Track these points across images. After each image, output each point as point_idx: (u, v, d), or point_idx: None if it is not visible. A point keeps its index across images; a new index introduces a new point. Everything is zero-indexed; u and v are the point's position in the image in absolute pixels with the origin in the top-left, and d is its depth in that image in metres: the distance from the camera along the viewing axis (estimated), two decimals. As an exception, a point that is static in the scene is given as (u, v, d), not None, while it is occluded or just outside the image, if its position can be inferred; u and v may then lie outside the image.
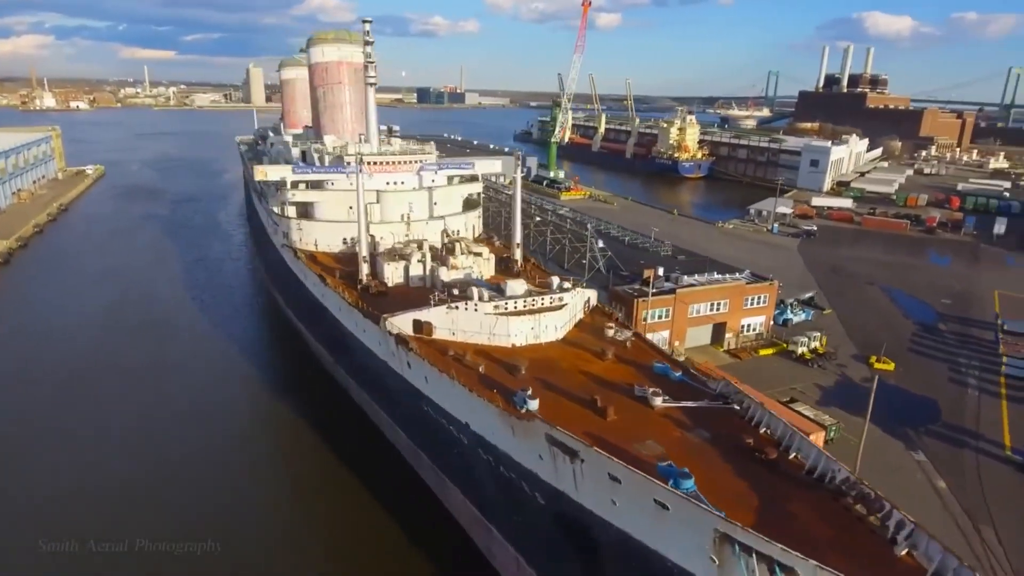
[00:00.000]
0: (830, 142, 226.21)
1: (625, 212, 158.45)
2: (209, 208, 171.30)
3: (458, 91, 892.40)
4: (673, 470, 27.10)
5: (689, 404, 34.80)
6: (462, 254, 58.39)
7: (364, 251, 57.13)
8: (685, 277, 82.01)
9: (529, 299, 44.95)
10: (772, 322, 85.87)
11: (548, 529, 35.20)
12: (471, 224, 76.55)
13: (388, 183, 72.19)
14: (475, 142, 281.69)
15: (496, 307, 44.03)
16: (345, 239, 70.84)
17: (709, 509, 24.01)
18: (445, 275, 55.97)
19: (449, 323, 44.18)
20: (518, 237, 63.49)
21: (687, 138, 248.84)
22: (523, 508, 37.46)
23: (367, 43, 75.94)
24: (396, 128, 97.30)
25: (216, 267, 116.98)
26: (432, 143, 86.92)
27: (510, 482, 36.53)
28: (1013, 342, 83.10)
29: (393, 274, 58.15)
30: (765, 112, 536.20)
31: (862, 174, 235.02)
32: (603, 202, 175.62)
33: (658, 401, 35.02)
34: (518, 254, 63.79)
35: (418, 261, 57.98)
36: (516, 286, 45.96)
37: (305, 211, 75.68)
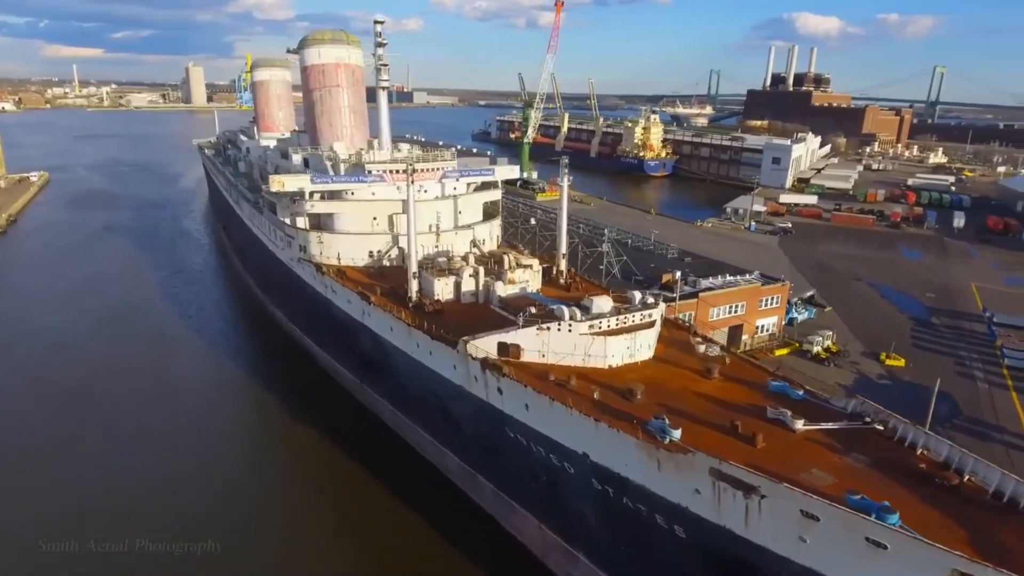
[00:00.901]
0: (790, 140, 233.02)
1: (604, 212, 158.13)
2: (173, 215, 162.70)
3: (405, 90, 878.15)
4: (871, 503, 25.72)
5: (831, 426, 33.44)
6: (513, 267, 56.21)
7: (414, 267, 54.20)
8: (702, 280, 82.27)
9: (620, 316, 43.21)
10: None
11: (684, 563, 33.71)
12: (494, 233, 74.38)
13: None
14: (440, 143, 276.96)
15: (591, 326, 42.21)
16: (371, 252, 67.57)
17: (945, 548, 22.91)
18: (501, 290, 53.82)
19: (539, 345, 42.02)
20: (564, 247, 61.61)
21: (651, 137, 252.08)
22: (643, 540, 35.88)
23: (379, 44, 72.96)
24: None
25: (199, 280, 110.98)
26: (453, 149, 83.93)
27: (634, 514, 34.83)
28: (1007, 334, 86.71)
29: (443, 290, 55.44)
30: (709, 110, 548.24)
31: (818, 171, 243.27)
32: (579, 202, 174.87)
33: (799, 424, 33.48)
34: (563, 265, 61.93)
35: (470, 276, 55.41)
36: (602, 303, 44.17)
37: (319, 223, 71.87)
